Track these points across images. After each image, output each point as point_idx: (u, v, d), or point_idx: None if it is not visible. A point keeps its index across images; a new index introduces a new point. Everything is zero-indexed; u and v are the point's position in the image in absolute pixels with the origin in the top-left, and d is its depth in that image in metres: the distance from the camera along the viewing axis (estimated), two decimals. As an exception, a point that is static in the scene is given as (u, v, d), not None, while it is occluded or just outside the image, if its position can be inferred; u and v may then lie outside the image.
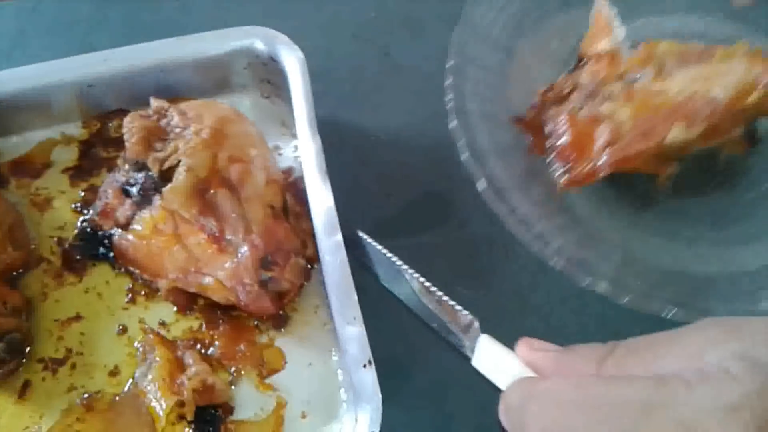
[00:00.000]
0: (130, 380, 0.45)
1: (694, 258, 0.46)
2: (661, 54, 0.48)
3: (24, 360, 0.46)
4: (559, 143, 0.46)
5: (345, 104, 0.57)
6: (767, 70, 0.45)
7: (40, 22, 0.63)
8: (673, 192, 0.49)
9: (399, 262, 0.42)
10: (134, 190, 0.47)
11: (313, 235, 0.46)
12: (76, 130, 0.54)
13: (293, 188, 0.51)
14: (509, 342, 0.34)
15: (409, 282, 0.41)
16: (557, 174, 0.47)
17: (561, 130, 0.47)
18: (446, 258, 0.50)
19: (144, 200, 0.47)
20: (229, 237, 0.45)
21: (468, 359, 0.36)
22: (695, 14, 0.56)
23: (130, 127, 0.47)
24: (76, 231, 0.50)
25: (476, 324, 0.37)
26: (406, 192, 0.54)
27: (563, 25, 0.55)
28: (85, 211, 0.51)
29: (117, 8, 0.64)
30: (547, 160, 0.48)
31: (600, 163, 0.45)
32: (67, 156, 0.54)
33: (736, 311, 0.42)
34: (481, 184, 0.45)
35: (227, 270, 0.45)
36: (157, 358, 0.44)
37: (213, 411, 0.44)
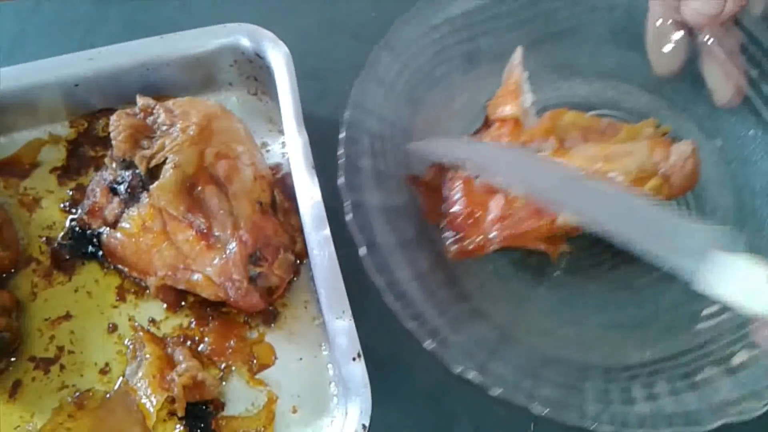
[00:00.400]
0: (121, 378, 0.45)
1: (575, 345, 0.44)
2: (564, 126, 0.46)
3: (14, 360, 0.46)
4: (452, 211, 0.45)
5: (345, 104, 0.57)
6: (668, 156, 0.43)
7: (40, 22, 0.63)
8: (567, 270, 0.47)
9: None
10: (122, 188, 0.47)
11: (302, 231, 0.46)
12: (63, 129, 0.54)
13: (281, 184, 0.51)
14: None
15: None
16: (448, 242, 0.45)
17: (455, 197, 0.45)
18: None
19: (132, 198, 0.47)
20: (217, 233, 0.45)
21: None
22: (611, 82, 0.54)
23: (117, 125, 0.47)
24: (64, 230, 0.50)
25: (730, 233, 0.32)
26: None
27: (472, 81, 0.53)
28: (74, 211, 0.51)
29: (117, 8, 0.64)
30: (440, 227, 0.46)
31: (490, 236, 0.43)
32: (55, 156, 0.54)
33: (609, 414, 0.39)
34: (362, 251, 0.42)
35: (216, 266, 0.45)
36: (147, 356, 0.44)
37: (204, 407, 0.44)
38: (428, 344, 0.40)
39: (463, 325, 0.43)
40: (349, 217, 0.43)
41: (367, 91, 0.48)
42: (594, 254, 0.48)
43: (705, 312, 0.45)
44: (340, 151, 0.45)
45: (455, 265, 0.46)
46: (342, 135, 0.46)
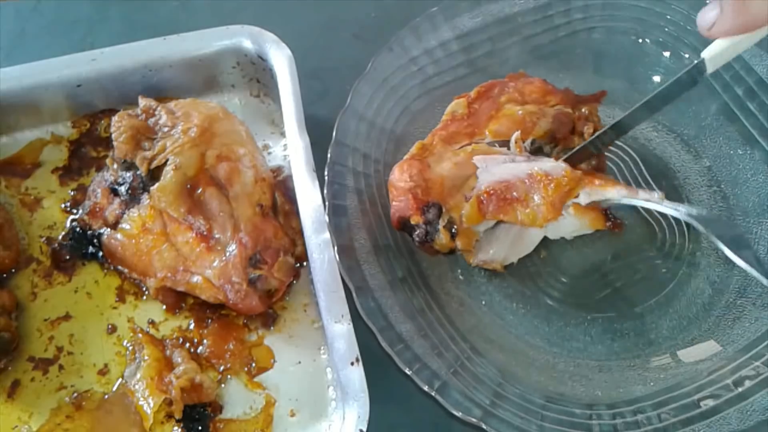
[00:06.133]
0: (120, 379, 0.45)
1: (577, 378, 0.44)
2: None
3: (13, 359, 0.46)
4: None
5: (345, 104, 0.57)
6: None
7: (40, 22, 0.63)
8: (563, 300, 0.47)
9: None
10: (123, 189, 0.47)
11: (302, 234, 0.46)
12: (65, 129, 0.54)
13: (282, 186, 0.51)
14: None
15: None
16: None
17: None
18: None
19: (132, 199, 0.47)
20: (217, 235, 0.45)
21: None
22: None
23: (118, 126, 0.47)
24: (65, 231, 0.50)
25: None
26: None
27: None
28: (75, 211, 0.51)
29: (117, 8, 0.64)
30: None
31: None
32: (57, 156, 0.54)
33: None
34: (357, 295, 0.42)
35: (216, 268, 0.45)
36: (146, 357, 0.44)
37: (202, 409, 0.44)
38: (429, 389, 0.40)
39: (462, 366, 0.42)
40: (337, 260, 0.43)
41: (349, 128, 0.48)
42: (590, 283, 0.48)
43: (705, 337, 0.45)
44: (325, 192, 0.45)
45: (448, 303, 0.46)
46: (327, 176, 0.46)
